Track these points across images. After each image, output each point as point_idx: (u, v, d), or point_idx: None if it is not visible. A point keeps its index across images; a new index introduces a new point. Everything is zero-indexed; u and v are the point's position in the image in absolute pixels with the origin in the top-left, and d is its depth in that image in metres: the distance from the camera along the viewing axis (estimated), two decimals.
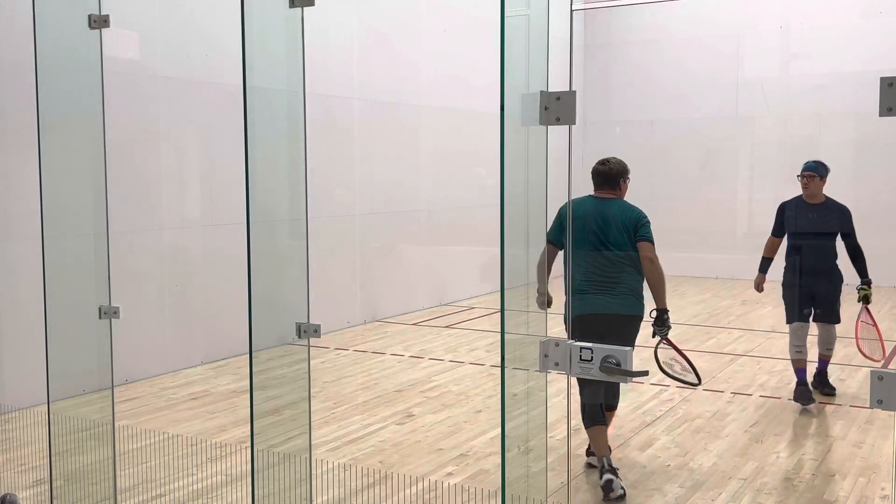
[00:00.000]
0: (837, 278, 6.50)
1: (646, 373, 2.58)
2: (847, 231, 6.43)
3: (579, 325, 4.21)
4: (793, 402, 6.25)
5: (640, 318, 4.87)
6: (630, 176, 5.02)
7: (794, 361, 6.39)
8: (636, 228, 4.83)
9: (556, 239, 4.67)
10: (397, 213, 10.15)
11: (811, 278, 6.41)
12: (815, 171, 6.54)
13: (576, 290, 4.54)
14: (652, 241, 4.80)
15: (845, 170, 12.29)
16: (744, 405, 6.30)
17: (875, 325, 6.37)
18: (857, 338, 6.27)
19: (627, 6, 13.65)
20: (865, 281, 6.36)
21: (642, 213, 4.92)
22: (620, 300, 4.77)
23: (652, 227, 4.80)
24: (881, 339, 6.33)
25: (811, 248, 6.50)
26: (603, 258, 4.83)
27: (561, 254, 4.73)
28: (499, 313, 2.56)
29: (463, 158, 10.95)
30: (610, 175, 4.95)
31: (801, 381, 6.26)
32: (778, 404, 6.29)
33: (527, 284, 2.67)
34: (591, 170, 5.07)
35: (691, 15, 13.30)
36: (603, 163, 5.01)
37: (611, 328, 4.63)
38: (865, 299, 6.30)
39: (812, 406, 6.17)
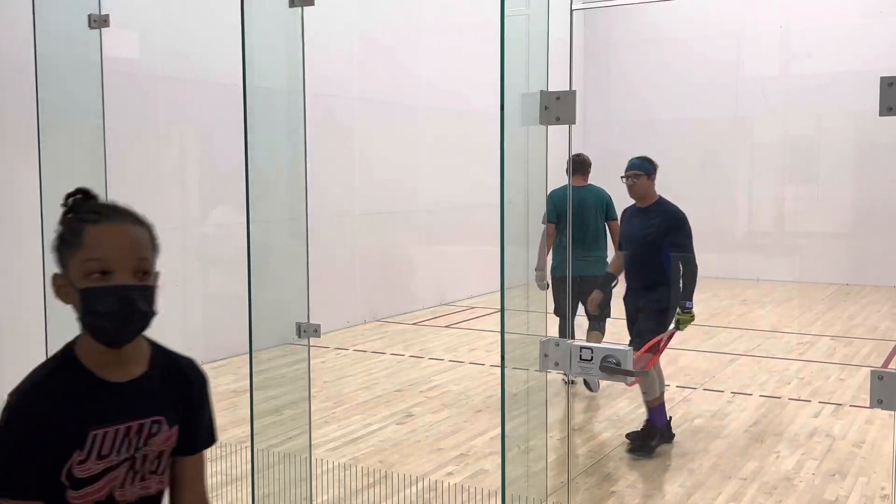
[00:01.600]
0: (662, 298, 5.28)
1: (646, 373, 2.58)
2: (676, 240, 5.27)
3: (563, 284, 6.28)
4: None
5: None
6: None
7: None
8: (606, 210, 6.60)
9: (552, 219, 6.10)
10: (397, 213, 10.15)
11: (636, 295, 5.39)
12: (638, 169, 5.39)
13: (563, 259, 6.38)
14: (618, 219, 6.17)
15: (845, 170, 12.31)
16: (744, 405, 6.30)
17: (658, 354, 5.14)
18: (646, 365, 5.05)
19: (627, 6, 13.64)
20: (684, 304, 5.19)
21: (608, 195, 6.67)
22: (592, 265, 6.38)
23: None
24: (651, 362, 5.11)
25: (636, 258, 5.45)
26: (582, 235, 6.47)
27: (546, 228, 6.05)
28: (499, 313, 2.56)
29: (463, 158, 10.95)
30: (585, 164, 6.71)
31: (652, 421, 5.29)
32: (778, 404, 6.29)
33: (527, 284, 2.67)
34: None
35: (691, 15, 13.30)
36: (577, 155, 6.61)
37: (586, 285, 6.12)
38: (677, 324, 5.15)
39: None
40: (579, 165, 6.58)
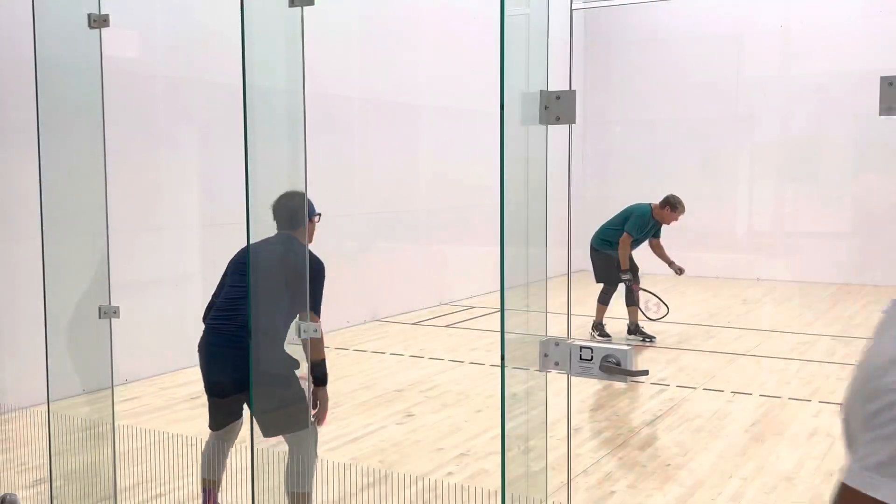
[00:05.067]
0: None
1: (646, 372, 2.58)
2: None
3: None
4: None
5: None
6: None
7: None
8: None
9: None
10: (397, 213, 10.15)
11: None
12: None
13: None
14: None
15: (845, 170, 12.30)
16: (744, 405, 6.30)
17: None
18: None
19: (627, 6, 13.64)
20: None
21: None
22: None
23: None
24: None
25: None
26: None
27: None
28: (499, 313, 2.56)
29: (463, 158, 10.94)
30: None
31: None
32: (778, 404, 6.29)
33: (526, 284, 2.67)
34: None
35: (691, 15, 13.30)
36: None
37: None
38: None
39: None
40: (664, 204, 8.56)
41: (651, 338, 8.57)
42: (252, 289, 3.78)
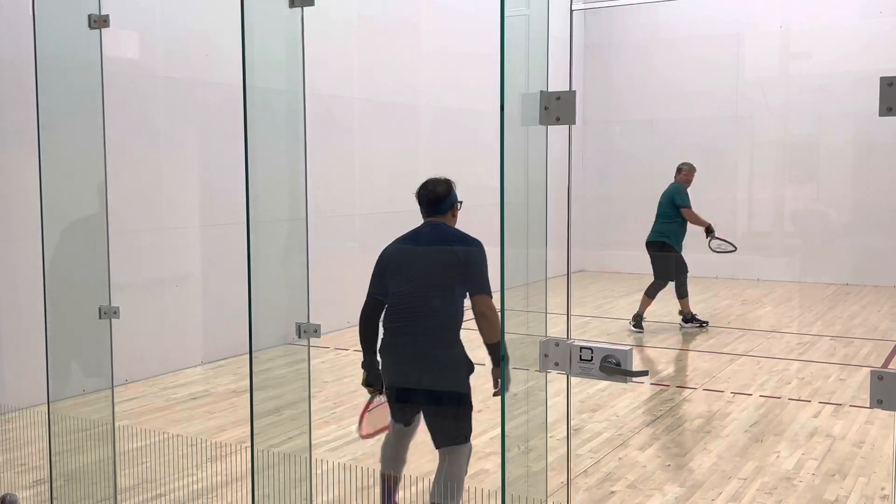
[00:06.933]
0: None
1: (645, 373, 2.59)
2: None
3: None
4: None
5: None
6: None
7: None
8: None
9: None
10: (397, 213, 10.14)
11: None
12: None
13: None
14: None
15: (845, 170, 12.30)
16: (744, 405, 6.30)
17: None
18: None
19: (627, 6, 13.64)
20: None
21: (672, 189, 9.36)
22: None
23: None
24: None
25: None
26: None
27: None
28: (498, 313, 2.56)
29: (463, 158, 10.94)
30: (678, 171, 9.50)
31: None
32: (778, 404, 6.29)
33: (526, 284, 2.67)
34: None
35: (691, 15, 13.30)
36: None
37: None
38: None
39: None
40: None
41: (705, 322, 9.18)
42: (415, 283, 3.98)
